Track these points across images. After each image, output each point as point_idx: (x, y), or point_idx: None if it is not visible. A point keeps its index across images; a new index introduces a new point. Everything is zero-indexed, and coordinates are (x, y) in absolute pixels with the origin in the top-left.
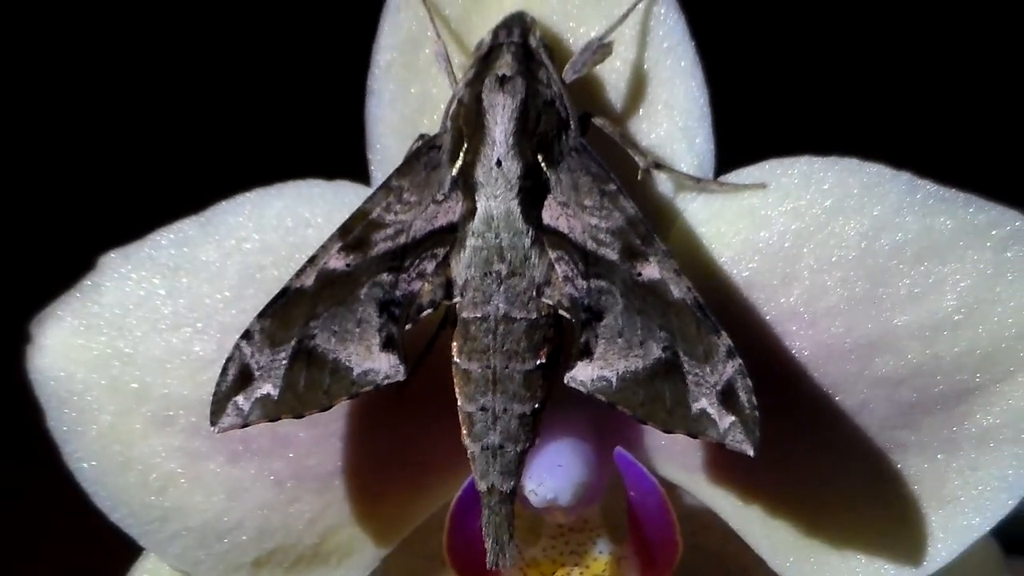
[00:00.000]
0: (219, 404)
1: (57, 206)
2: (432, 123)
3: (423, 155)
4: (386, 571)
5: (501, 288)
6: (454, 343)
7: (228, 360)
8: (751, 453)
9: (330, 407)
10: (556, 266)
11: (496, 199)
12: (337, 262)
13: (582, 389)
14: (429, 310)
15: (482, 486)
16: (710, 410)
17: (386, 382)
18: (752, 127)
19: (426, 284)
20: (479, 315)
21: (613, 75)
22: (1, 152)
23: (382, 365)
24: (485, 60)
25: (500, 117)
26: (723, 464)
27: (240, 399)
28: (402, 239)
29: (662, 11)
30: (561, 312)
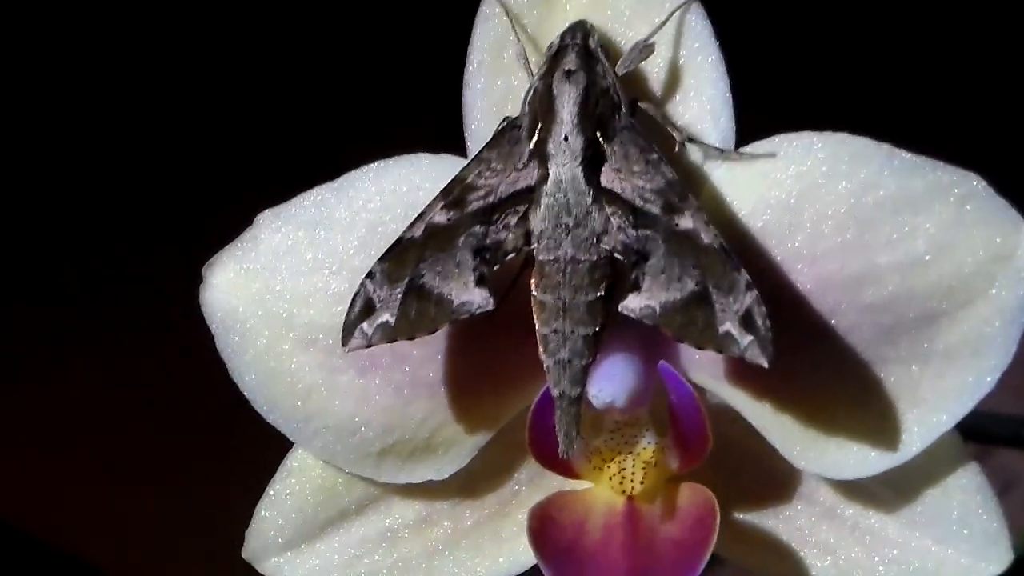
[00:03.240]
0: (349, 329)
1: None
2: (514, 108)
3: (507, 133)
4: (482, 459)
5: (569, 236)
6: (532, 280)
7: (355, 295)
8: (766, 365)
9: (436, 331)
10: (611, 219)
11: (564, 167)
12: (440, 217)
13: (632, 315)
14: (513, 254)
15: (555, 392)
16: (733, 331)
17: (479, 311)
18: (765, 110)
19: (510, 234)
20: (552, 258)
21: (655, 69)
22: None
23: (476, 298)
24: (555, 58)
25: (567, 102)
26: (743, 372)
27: (365, 325)
28: (491, 198)
29: (693, 19)
30: (616, 255)
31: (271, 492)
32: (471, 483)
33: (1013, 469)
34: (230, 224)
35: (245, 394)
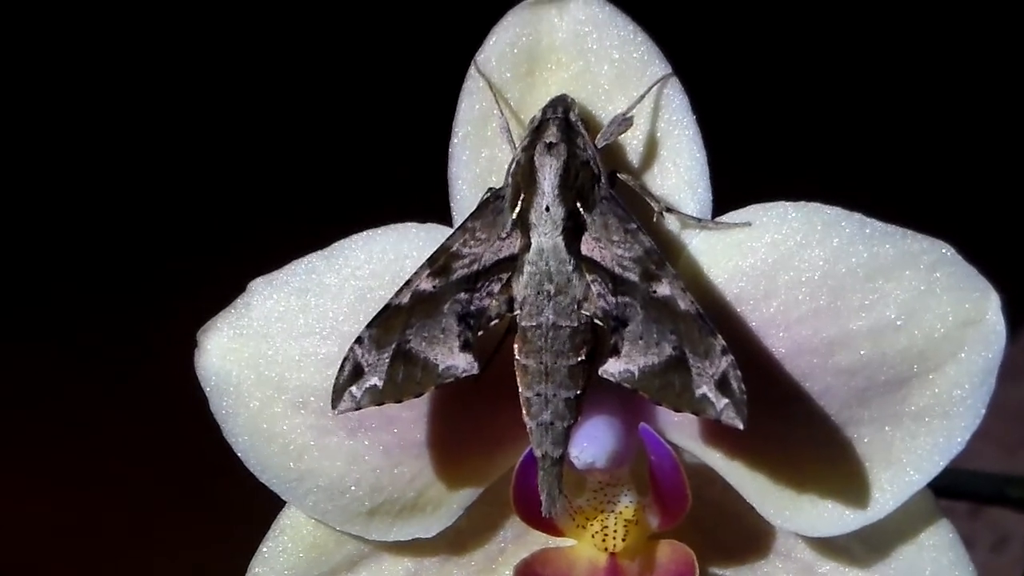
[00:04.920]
0: (338, 392)
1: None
2: (498, 179)
3: (490, 203)
4: (469, 517)
5: (550, 303)
6: (515, 345)
7: (344, 359)
8: (741, 427)
9: (422, 394)
10: (592, 286)
11: (546, 236)
12: (426, 284)
13: (612, 379)
14: (496, 320)
15: (538, 453)
16: (709, 394)
17: (464, 375)
18: (741, 180)
19: (494, 301)
20: (534, 324)
21: (634, 141)
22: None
23: (461, 362)
24: (536, 131)
25: (548, 174)
26: (719, 433)
27: (354, 388)
28: (475, 267)
29: (670, 93)
30: (596, 320)
31: (264, 550)
32: (459, 540)
33: (1006, 526)
34: (220, 292)
35: (238, 455)
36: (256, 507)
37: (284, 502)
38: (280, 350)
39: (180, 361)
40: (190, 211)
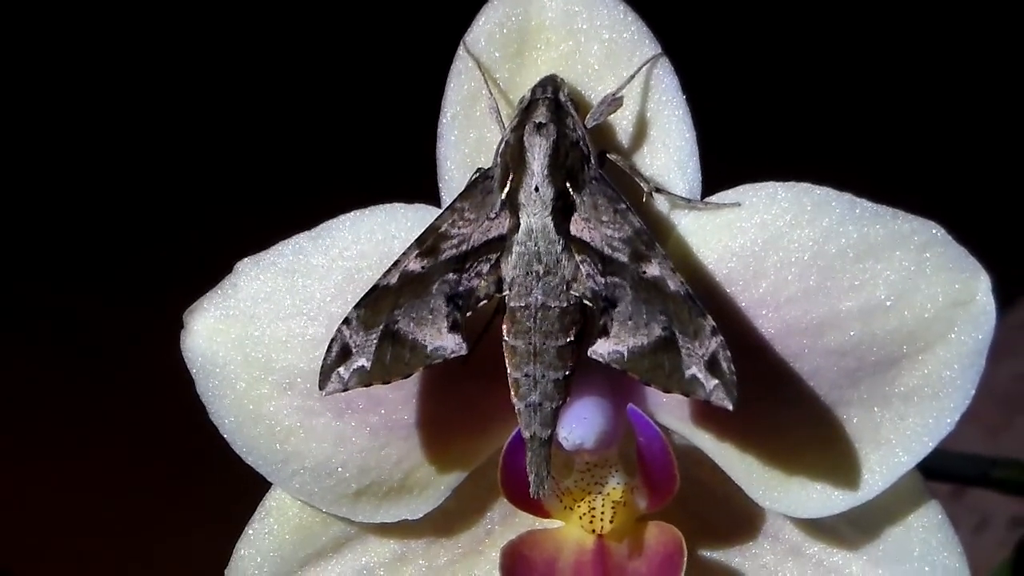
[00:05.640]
0: (326, 374)
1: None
2: (486, 159)
3: (479, 183)
4: (456, 499)
5: (539, 284)
6: (504, 325)
7: (332, 340)
8: (731, 408)
9: (410, 375)
10: (581, 266)
11: (535, 216)
12: (414, 265)
13: (601, 360)
14: (485, 301)
15: (526, 434)
16: (699, 375)
17: (452, 356)
18: (731, 160)
19: (482, 281)
20: (523, 304)
21: (623, 122)
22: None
23: (449, 343)
24: (526, 111)
25: (538, 154)
26: (709, 415)
27: (341, 370)
28: (464, 247)
29: (660, 73)
30: (585, 301)
31: (250, 531)
32: (445, 522)
33: (988, 508)
34: (210, 274)
35: (225, 436)
36: (242, 490)
37: (270, 485)
38: (267, 331)
39: (168, 347)
40: (175, 195)
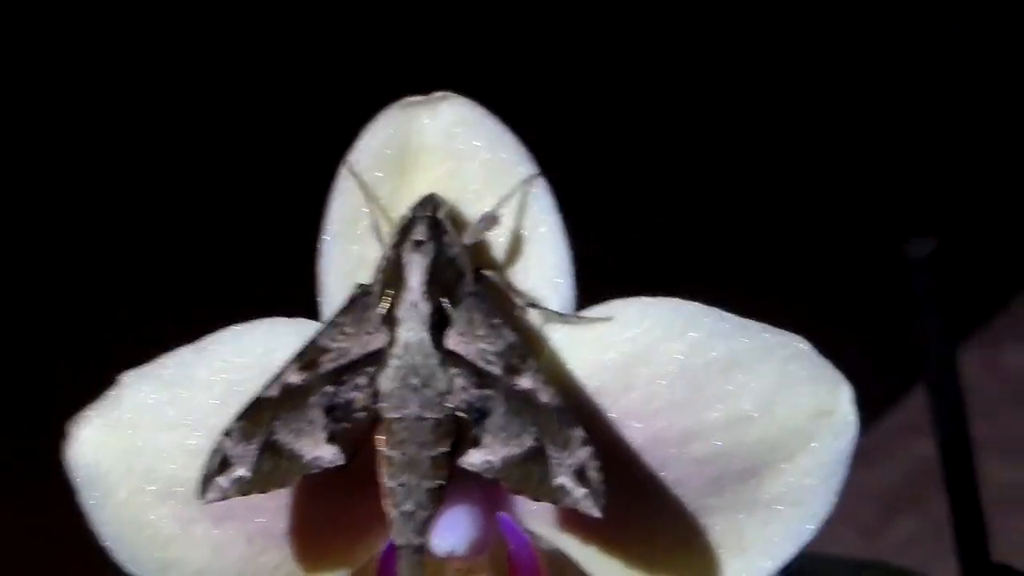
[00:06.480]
0: (206, 482)
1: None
2: (366, 275)
3: (359, 299)
4: None
5: (415, 396)
6: (380, 436)
7: (214, 451)
8: (598, 515)
9: (289, 485)
10: (455, 379)
11: (412, 331)
12: (294, 378)
13: (473, 469)
14: (363, 413)
15: (400, 541)
16: (568, 484)
17: (330, 465)
18: (604, 276)
19: (360, 394)
20: (399, 416)
21: (500, 238)
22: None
23: (327, 453)
24: (405, 229)
25: (415, 270)
26: (576, 521)
27: (221, 479)
28: (342, 360)
29: (536, 192)
30: (459, 413)
31: None
32: None
33: None
34: (85, 382)
35: (105, 545)
36: None
37: None
38: (150, 441)
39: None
40: (59, 304)
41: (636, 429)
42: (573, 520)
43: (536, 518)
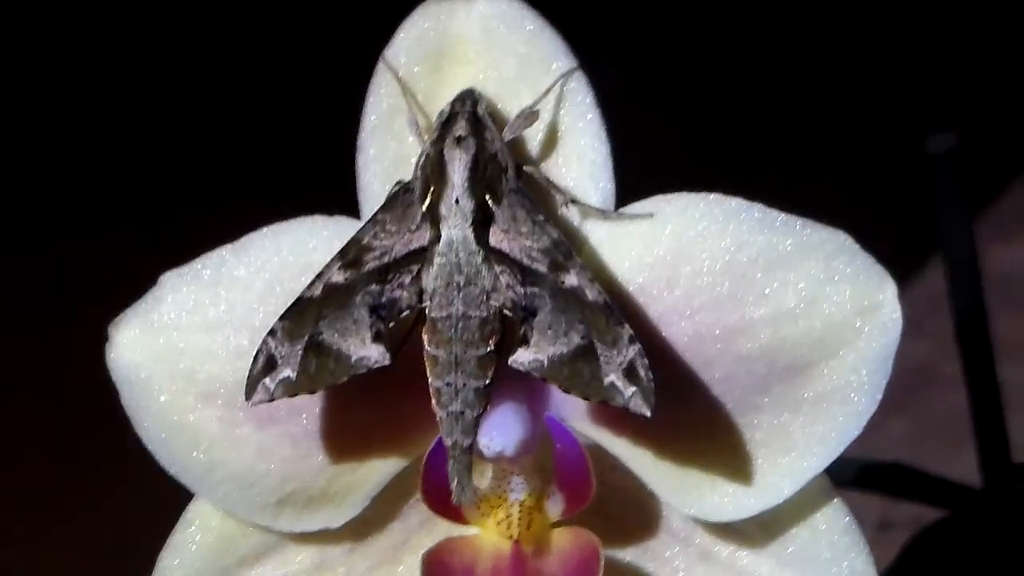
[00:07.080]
0: (251, 384)
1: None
2: (406, 172)
3: (400, 196)
4: (375, 506)
5: (460, 294)
6: (425, 335)
7: (258, 352)
8: (648, 415)
9: (335, 384)
10: (500, 277)
11: (455, 228)
12: (338, 276)
13: (522, 368)
14: (407, 311)
15: (448, 442)
16: (617, 383)
17: (376, 365)
18: (645, 171)
19: (404, 292)
20: (444, 314)
21: (539, 135)
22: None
23: (373, 353)
24: (445, 124)
25: (457, 167)
26: (624, 422)
27: (267, 380)
28: (386, 259)
29: (575, 87)
30: (505, 311)
31: (172, 541)
32: (364, 530)
33: (856, 510)
34: (130, 289)
35: (148, 447)
36: (169, 499)
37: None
38: (191, 342)
39: (90, 358)
40: (101, 205)
41: (680, 327)
42: (621, 420)
43: (583, 418)
